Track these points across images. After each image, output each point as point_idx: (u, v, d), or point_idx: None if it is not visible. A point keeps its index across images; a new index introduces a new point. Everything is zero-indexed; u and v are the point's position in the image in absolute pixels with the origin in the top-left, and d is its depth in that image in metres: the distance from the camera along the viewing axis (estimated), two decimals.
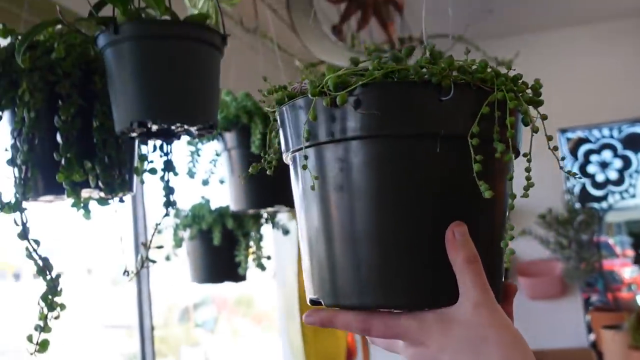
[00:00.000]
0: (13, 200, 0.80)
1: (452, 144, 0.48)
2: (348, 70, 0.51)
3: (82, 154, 0.83)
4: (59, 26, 0.85)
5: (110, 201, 0.88)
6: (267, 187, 1.27)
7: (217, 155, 1.37)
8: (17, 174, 0.81)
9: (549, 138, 0.51)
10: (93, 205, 0.90)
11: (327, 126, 0.50)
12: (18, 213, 0.79)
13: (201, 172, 1.35)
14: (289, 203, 1.29)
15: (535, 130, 0.50)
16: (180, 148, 1.27)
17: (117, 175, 0.86)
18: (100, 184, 0.84)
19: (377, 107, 0.48)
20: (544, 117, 0.52)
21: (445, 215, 0.49)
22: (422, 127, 0.49)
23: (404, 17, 1.83)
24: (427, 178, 0.49)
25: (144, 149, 0.93)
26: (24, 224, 0.80)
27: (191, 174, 1.30)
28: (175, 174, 0.93)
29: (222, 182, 1.41)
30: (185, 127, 0.79)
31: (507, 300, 0.56)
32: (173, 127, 0.79)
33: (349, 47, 1.74)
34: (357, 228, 0.49)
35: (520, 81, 0.52)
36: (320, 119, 0.50)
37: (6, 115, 0.85)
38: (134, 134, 0.80)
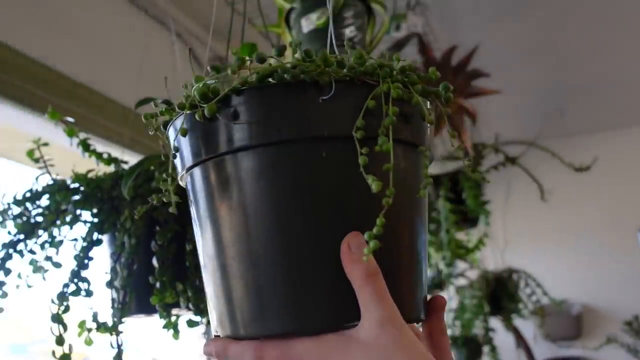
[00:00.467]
0: (110, 323, 0.83)
1: (340, 146, 0.44)
2: (217, 77, 0.47)
3: (174, 277, 0.86)
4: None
5: (199, 323, 0.90)
6: None
7: None
8: (115, 296, 0.85)
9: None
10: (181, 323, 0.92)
11: (206, 141, 0.46)
12: (114, 335, 0.82)
13: None
14: None
15: (430, 122, 0.46)
16: None
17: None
18: (190, 306, 0.87)
19: (252, 114, 0.44)
20: (445, 112, 0.47)
21: (342, 226, 0.44)
22: (303, 131, 0.44)
23: (477, 124, 1.86)
24: (317, 187, 0.44)
25: None
26: (119, 346, 0.82)
27: None
28: None
29: None
30: None
31: (436, 314, 0.51)
32: None
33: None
34: (249, 249, 0.45)
35: (412, 72, 0.47)
36: (197, 135, 0.47)
37: (105, 237, 0.90)
38: None
